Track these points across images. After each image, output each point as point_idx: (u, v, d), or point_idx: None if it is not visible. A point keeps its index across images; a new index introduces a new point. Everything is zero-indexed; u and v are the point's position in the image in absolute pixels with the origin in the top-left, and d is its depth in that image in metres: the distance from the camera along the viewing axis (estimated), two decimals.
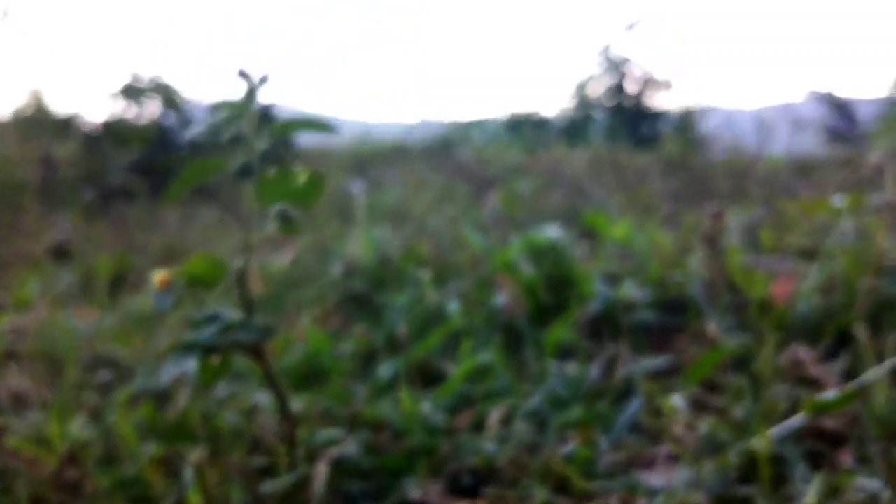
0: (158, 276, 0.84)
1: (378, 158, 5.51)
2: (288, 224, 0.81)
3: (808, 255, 1.87)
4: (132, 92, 4.50)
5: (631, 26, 6.65)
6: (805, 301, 1.52)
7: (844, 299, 1.54)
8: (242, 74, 0.83)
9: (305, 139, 8.15)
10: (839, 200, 2.11)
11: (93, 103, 5.49)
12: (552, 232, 1.83)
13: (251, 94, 0.82)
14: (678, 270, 1.76)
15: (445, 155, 5.62)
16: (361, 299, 1.96)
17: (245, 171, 0.79)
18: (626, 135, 6.24)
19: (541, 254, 1.78)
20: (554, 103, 7.28)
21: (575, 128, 6.62)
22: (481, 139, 6.60)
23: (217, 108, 0.82)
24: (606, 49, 6.68)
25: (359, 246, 2.14)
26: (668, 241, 2.02)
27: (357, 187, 2.48)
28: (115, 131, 4.64)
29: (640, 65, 6.64)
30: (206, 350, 0.83)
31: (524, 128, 6.88)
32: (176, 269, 0.85)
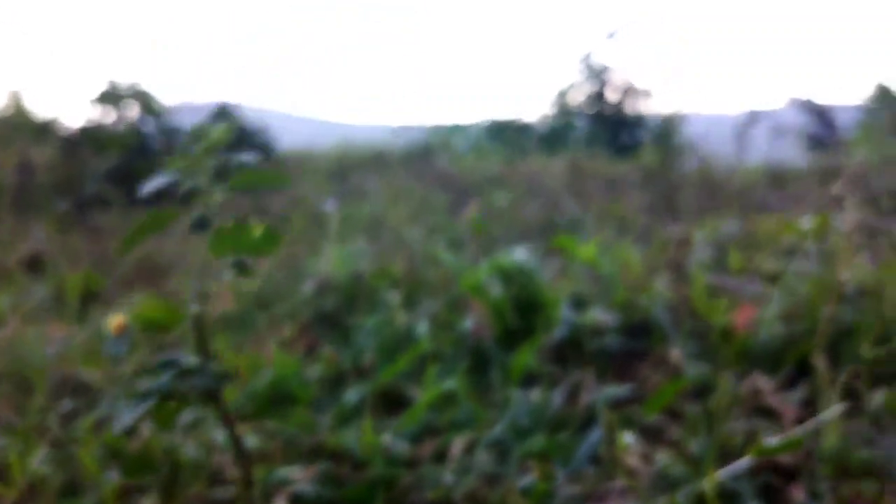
0: (114, 321, 0.85)
1: (359, 165, 5.51)
2: (244, 272, 0.82)
3: (775, 278, 1.90)
4: (110, 98, 4.48)
5: (612, 35, 6.69)
6: (767, 329, 1.54)
7: (806, 326, 1.56)
8: (197, 132, 0.84)
9: (288, 142, 8.13)
10: (806, 222, 2.13)
11: (72, 107, 5.45)
12: (520, 255, 1.84)
13: (209, 148, 0.82)
14: (644, 294, 1.78)
15: (426, 162, 5.63)
16: (332, 319, 1.97)
17: (201, 225, 0.80)
18: (607, 142, 6.27)
19: (509, 276, 1.79)
20: (536, 109, 7.31)
21: (555, 135, 6.65)
22: (463, 145, 6.62)
23: (175, 160, 0.83)
24: (587, 57, 6.71)
25: (331, 263, 2.15)
26: (637, 261, 2.04)
27: (330, 205, 2.49)
28: (93, 136, 4.62)
29: (621, 73, 6.68)
30: (162, 396, 0.84)
31: (506, 134, 6.90)
32: (132, 312, 0.85)
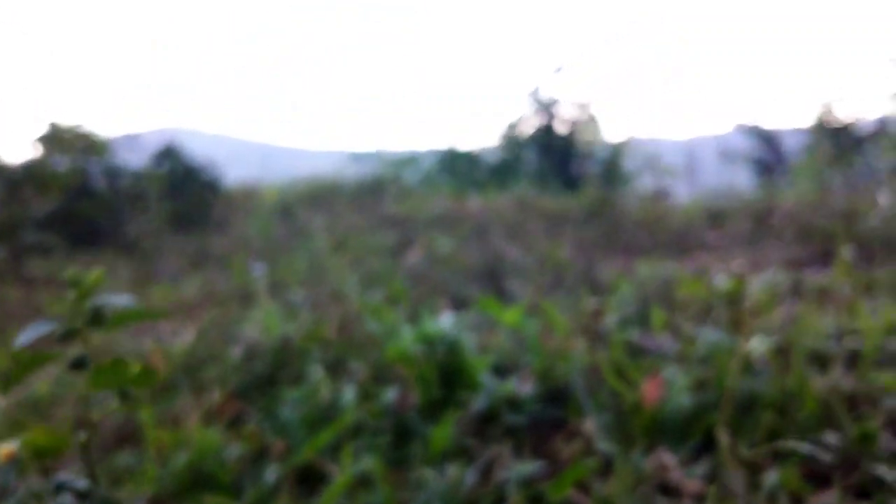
0: (3, 449, 0.86)
1: (307, 200, 5.52)
2: (127, 402, 0.84)
3: (691, 341, 1.96)
4: (52, 140, 4.44)
5: (559, 69, 6.80)
6: (675, 400, 1.60)
7: (714, 396, 1.62)
8: (74, 280, 0.86)
9: (240, 172, 8.05)
10: (720, 281, 2.19)
11: (15, 146, 5.38)
12: (446, 322, 1.88)
13: (83, 294, 0.85)
14: (563, 361, 1.83)
15: (376, 196, 5.67)
16: (260, 385, 1.98)
17: (78, 364, 0.83)
18: (555, 174, 6.36)
19: (434, 344, 1.83)
20: (486, 141, 7.40)
21: (506, 167, 6.73)
22: (413, 178, 6.66)
23: (56, 303, 0.85)
24: (536, 91, 6.81)
25: (260, 326, 2.16)
26: (561, 322, 2.09)
27: (258, 269, 2.51)
28: (35, 176, 4.57)
29: (569, 105, 6.80)
30: None
31: (457, 165, 6.97)
32: (21, 440, 0.87)
